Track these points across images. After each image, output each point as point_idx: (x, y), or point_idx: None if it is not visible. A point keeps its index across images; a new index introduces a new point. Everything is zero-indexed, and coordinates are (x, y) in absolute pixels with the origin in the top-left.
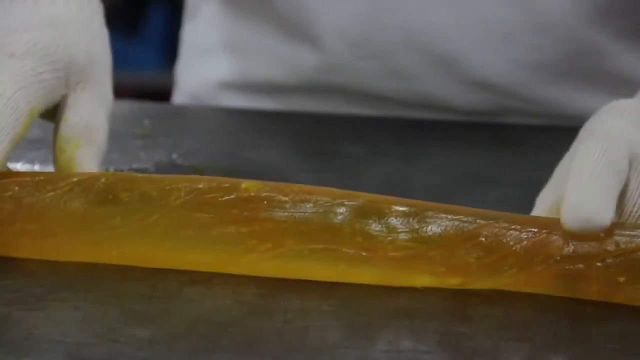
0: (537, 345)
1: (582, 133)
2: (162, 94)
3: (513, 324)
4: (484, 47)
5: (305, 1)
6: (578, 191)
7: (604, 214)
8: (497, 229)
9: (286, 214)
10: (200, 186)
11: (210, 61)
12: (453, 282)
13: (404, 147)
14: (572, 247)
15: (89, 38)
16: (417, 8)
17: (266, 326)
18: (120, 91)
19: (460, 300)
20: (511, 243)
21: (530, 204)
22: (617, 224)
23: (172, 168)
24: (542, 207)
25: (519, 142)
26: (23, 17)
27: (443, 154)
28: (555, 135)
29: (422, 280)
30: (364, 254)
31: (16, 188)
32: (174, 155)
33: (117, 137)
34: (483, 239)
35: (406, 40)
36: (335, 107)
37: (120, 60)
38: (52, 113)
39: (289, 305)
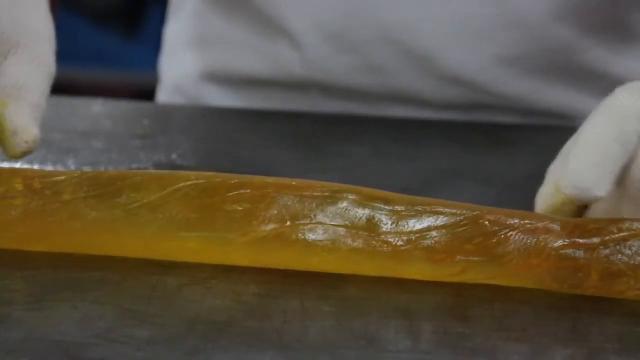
0: (537, 345)
1: (596, 109)
2: None
3: (513, 324)
4: (458, 44)
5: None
6: (580, 158)
7: (601, 185)
8: (498, 216)
9: (290, 202)
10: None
11: (191, 54)
12: (453, 270)
13: (403, 147)
14: (574, 235)
15: (17, 8)
16: (392, 4)
17: (266, 326)
18: (120, 91)
19: (459, 301)
20: (512, 229)
21: (527, 204)
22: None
23: (171, 168)
24: (551, 179)
25: (517, 142)
26: None
27: (442, 154)
28: (552, 136)
29: (422, 270)
30: (364, 244)
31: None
32: (174, 156)
33: (117, 137)
34: (486, 222)
35: (381, 35)
36: (314, 101)
37: (120, 60)
38: None
39: (289, 306)
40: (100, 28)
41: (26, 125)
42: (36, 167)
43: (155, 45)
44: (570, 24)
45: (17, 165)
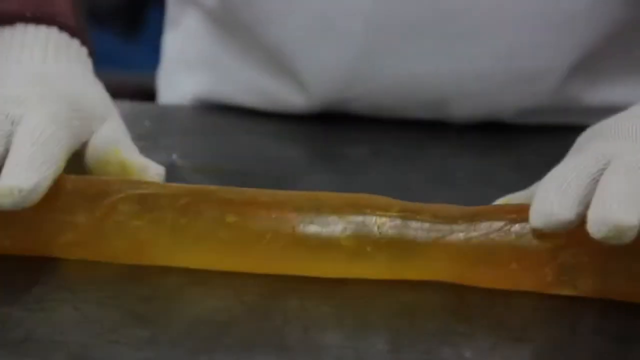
0: (537, 345)
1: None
2: None
3: (513, 324)
4: (471, 93)
5: (289, 43)
6: (546, 188)
7: (566, 211)
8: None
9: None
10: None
11: (186, 76)
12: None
13: (403, 147)
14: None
15: (95, 87)
16: (401, 58)
17: (266, 326)
18: (121, 92)
19: (460, 300)
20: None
21: None
22: None
23: (172, 169)
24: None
25: (518, 143)
26: (47, 69)
27: (442, 155)
28: (555, 136)
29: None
30: (362, 249)
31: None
32: (174, 156)
33: None
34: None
35: (392, 86)
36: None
37: (120, 61)
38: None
39: (289, 306)
40: (100, 29)
41: (148, 162)
42: None
43: (155, 45)
44: (581, 76)
45: None
